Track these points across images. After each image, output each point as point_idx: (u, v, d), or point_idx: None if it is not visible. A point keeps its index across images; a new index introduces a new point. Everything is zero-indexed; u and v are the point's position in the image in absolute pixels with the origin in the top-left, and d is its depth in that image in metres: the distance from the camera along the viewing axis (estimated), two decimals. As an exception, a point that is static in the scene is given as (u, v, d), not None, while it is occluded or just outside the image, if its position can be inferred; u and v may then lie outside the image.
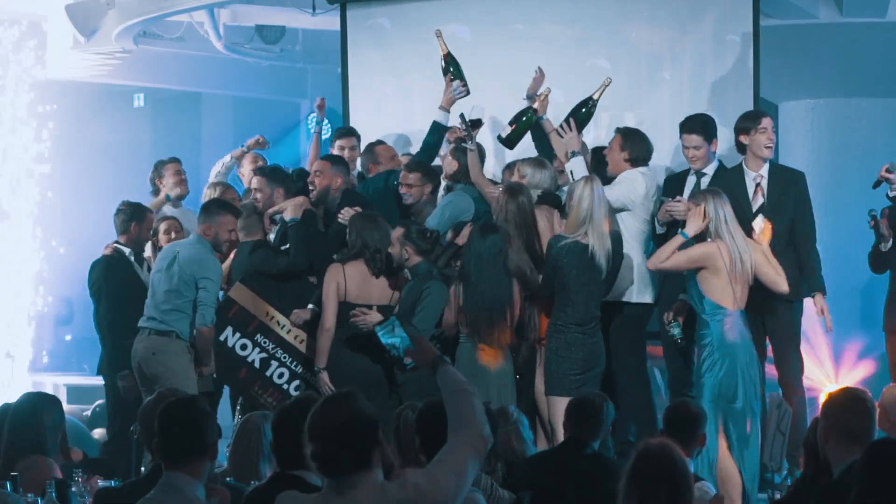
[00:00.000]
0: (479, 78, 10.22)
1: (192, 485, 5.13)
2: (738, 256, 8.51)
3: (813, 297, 9.15)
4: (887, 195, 9.26)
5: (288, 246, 9.54)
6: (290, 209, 9.52)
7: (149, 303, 9.35)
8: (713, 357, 8.47)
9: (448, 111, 9.94)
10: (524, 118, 9.73)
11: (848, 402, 5.77)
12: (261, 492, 5.29)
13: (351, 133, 10.73)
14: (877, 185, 9.25)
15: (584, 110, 9.58)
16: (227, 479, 6.01)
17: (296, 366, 9.59)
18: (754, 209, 9.06)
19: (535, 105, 9.77)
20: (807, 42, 11.61)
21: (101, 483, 6.31)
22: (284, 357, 9.60)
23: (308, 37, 14.35)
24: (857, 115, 11.94)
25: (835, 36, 11.57)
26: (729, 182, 9.10)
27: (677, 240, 8.65)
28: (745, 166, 9.25)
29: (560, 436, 7.87)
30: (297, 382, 9.57)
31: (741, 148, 9.26)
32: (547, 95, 9.79)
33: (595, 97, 9.57)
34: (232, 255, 9.77)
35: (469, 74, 10.02)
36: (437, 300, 8.91)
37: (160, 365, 9.18)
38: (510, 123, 9.77)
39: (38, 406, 6.64)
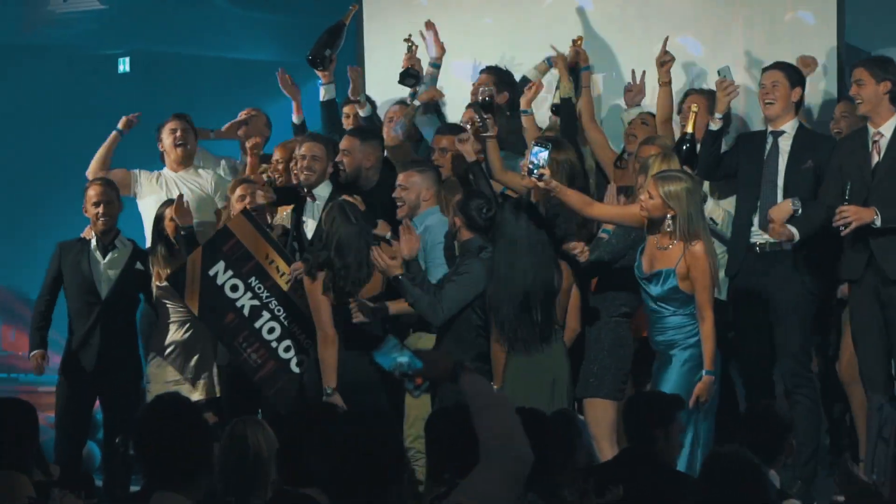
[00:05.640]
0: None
1: None
2: None
3: None
4: None
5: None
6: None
7: None
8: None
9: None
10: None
11: None
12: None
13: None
14: None
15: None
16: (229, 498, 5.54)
17: (289, 323, 8.65)
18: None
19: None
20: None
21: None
22: (278, 310, 8.66)
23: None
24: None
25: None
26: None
27: None
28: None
29: (605, 446, 7.46)
30: (287, 342, 8.64)
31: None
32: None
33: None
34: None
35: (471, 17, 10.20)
36: (472, 281, 7.98)
37: None
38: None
39: (8, 415, 6.01)
